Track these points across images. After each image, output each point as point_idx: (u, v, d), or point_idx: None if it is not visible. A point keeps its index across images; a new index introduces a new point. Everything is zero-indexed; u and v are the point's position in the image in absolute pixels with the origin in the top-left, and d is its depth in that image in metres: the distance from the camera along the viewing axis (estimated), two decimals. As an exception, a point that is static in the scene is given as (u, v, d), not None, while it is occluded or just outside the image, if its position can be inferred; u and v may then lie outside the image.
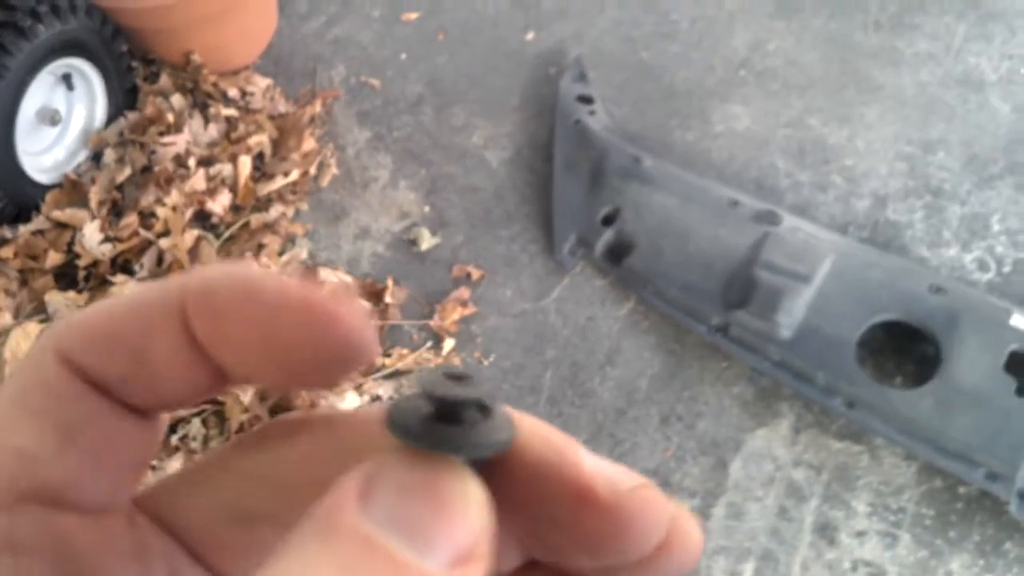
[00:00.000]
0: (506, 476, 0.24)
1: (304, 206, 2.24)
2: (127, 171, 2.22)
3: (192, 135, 2.29)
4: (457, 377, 0.23)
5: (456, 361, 1.95)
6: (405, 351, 1.96)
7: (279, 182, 2.23)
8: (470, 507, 0.22)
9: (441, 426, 0.23)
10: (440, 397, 0.23)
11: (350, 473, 0.22)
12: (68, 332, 0.25)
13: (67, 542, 0.25)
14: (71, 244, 2.11)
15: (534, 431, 0.25)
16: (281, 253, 2.13)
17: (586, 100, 2.24)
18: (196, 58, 2.41)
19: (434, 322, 2.00)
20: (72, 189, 2.20)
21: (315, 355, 0.25)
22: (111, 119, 2.33)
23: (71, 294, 2.03)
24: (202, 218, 2.18)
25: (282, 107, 2.42)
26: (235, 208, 2.20)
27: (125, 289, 1.99)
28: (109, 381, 0.26)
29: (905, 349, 1.80)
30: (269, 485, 0.27)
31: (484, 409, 0.24)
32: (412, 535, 0.21)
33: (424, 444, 0.22)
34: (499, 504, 0.23)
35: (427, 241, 2.14)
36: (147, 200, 2.15)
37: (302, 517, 0.22)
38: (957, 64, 2.23)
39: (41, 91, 2.15)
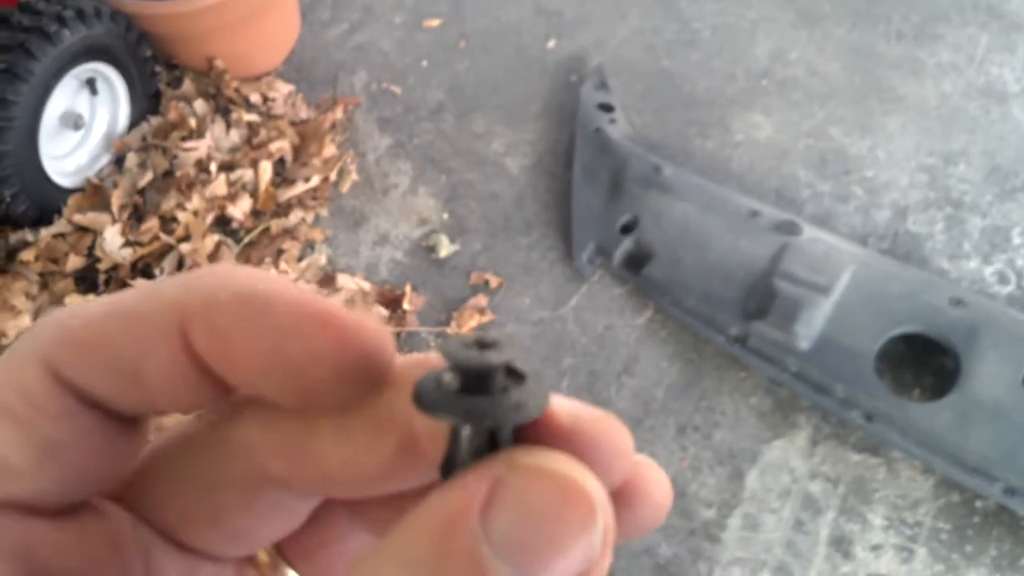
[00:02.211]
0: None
1: (324, 212, 2.25)
2: (149, 176, 2.24)
3: (214, 140, 2.31)
4: (485, 344, 0.22)
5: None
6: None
7: (299, 188, 2.23)
8: (594, 539, 0.21)
9: (475, 397, 0.22)
10: (465, 366, 0.22)
11: (477, 474, 0.21)
12: (57, 345, 0.24)
13: (38, 549, 0.24)
14: (92, 248, 2.12)
15: None
16: (300, 259, 2.13)
17: (606, 108, 2.24)
18: (219, 64, 2.42)
19: (451, 329, 2.00)
20: (94, 193, 2.22)
21: (332, 374, 0.24)
22: (134, 124, 2.34)
23: (91, 297, 2.04)
24: (223, 223, 2.19)
25: (303, 113, 2.43)
26: (255, 213, 2.21)
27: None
28: (100, 397, 0.24)
29: (924, 361, 1.79)
30: (236, 451, 0.27)
31: (514, 374, 0.23)
32: (527, 570, 0.20)
33: (452, 417, 0.21)
34: None
35: (446, 248, 2.14)
36: (168, 205, 2.16)
37: (416, 508, 0.21)
38: (980, 75, 2.21)
39: (65, 95, 2.16)
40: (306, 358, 0.23)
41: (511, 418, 0.21)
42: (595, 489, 0.21)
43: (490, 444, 0.22)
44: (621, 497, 0.24)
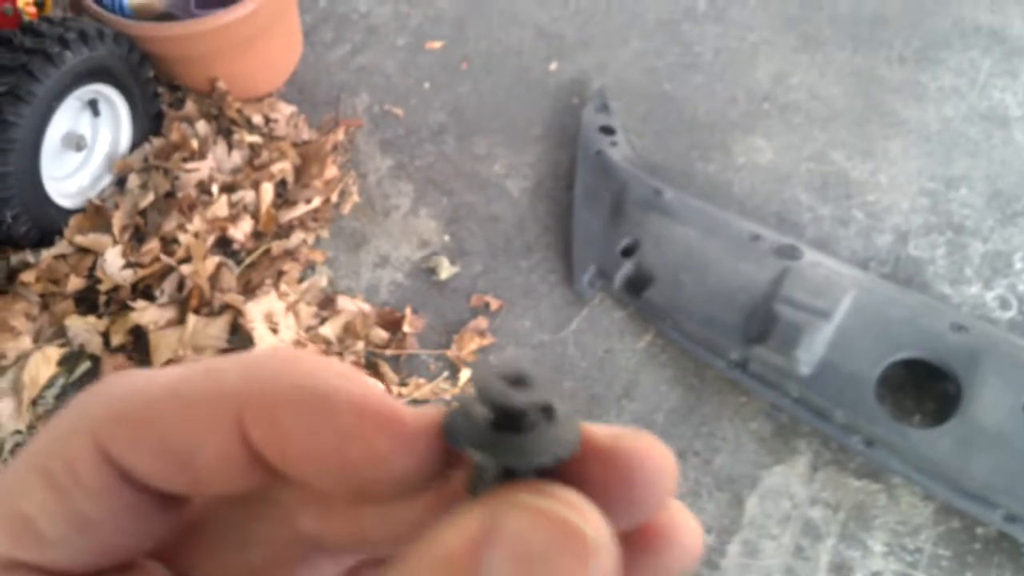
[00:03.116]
0: None
1: (325, 233, 2.25)
2: (150, 197, 2.24)
3: (216, 161, 2.31)
4: (520, 379, 0.22)
5: (470, 391, 1.94)
6: (422, 381, 1.96)
7: (301, 209, 2.23)
8: None
9: (504, 434, 0.21)
10: (498, 404, 0.21)
11: (475, 512, 0.20)
12: (109, 421, 0.24)
13: None
14: (92, 269, 2.12)
15: None
16: (301, 280, 2.13)
17: (608, 131, 2.24)
18: (221, 85, 2.43)
19: (451, 352, 2.00)
20: (95, 214, 2.22)
21: (389, 477, 0.23)
22: (136, 145, 2.34)
23: (91, 319, 2.04)
24: (223, 244, 2.19)
25: (305, 134, 2.43)
26: (256, 235, 2.21)
27: (145, 316, 2.00)
28: (145, 478, 0.24)
29: (925, 387, 1.78)
30: (269, 507, 0.27)
31: (547, 411, 0.22)
32: None
33: (479, 453, 0.21)
34: None
35: (446, 270, 2.14)
36: (169, 226, 2.16)
37: (416, 545, 0.20)
38: (981, 99, 2.21)
39: (67, 117, 2.16)
40: (364, 461, 0.23)
41: (540, 459, 0.21)
42: (595, 530, 0.20)
43: (510, 478, 0.22)
44: (649, 541, 0.23)
